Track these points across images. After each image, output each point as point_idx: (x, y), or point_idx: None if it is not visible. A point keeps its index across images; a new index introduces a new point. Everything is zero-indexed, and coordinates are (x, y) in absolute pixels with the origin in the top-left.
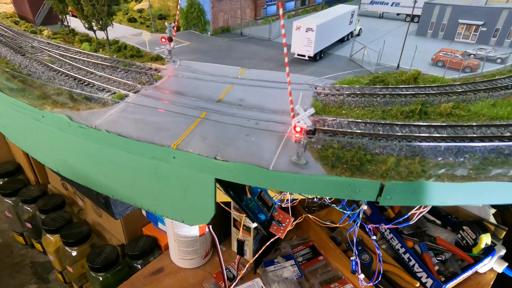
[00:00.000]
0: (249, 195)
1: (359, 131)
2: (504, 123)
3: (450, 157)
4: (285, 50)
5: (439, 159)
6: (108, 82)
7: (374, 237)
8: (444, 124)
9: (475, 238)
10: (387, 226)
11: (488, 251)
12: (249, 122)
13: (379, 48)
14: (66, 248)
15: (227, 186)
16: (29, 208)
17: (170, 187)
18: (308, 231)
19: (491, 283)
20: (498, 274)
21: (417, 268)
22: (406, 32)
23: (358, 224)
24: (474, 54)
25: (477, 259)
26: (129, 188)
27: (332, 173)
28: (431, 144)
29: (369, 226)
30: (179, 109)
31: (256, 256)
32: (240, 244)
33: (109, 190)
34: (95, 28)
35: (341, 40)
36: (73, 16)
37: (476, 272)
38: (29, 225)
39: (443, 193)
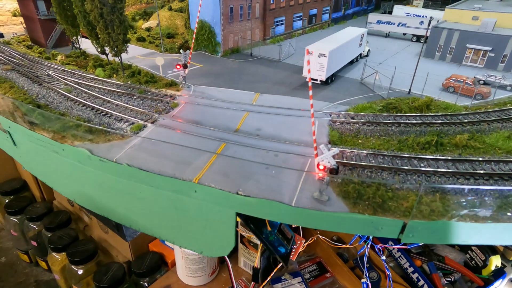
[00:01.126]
0: (269, 228)
1: (377, 165)
2: None
3: (471, 195)
4: (311, 103)
5: (462, 200)
6: (125, 111)
7: (384, 258)
8: (461, 158)
9: (484, 259)
10: (397, 246)
11: (499, 273)
12: (268, 154)
13: (388, 71)
14: (72, 266)
15: (247, 219)
16: (34, 226)
17: (190, 220)
18: (315, 247)
19: None
20: None
21: None
22: (418, 58)
23: (369, 245)
24: (484, 81)
25: (488, 282)
26: (148, 219)
27: (355, 210)
28: (455, 186)
29: (379, 246)
30: (198, 140)
31: (266, 280)
32: (256, 271)
33: (127, 220)
34: (108, 52)
35: (351, 62)
36: (83, 37)
37: None
38: (34, 243)
39: (465, 233)
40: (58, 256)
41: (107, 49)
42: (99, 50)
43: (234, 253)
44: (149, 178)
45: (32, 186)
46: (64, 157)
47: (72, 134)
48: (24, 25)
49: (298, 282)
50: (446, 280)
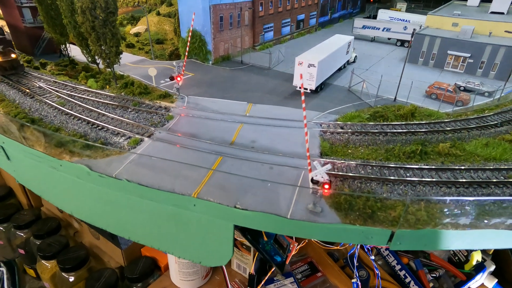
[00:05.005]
0: (265, 238)
1: (366, 176)
2: (497, 166)
3: (453, 205)
4: (304, 121)
5: (444, 210)
6: (121, 125)
7: (373, 257)
8: (444, 167)
9: (466, 255)
10: (385, 245)
11: (479, 267)
12: (263, 167)
13: (374, 77)
14: (63, 274)
15: (244, 230)
16: (22, 234)
17: (189, 232)
18: (307, 248)
19: None
20: None
21: (413, 285)
22: (403, 65)
23: (359, 246)
24: (464, 87)
25: (469, 276)
26: (147, 232)
27: (346, 221)
28: (439, 198)
29: (368, 246)
30: (195, 154)
31: (261, 284)
32: (252, 277)
33: (127, 232)
34: (100, 63)
35: (339, 69)
36: (71, 43)
37: None
38: (21, 251)
39: (448, 240)
40: (48, 264)
41: (98, 59)
42: (89, 60)
43: None
44: (149, 193)
45: (18, 193)
46: (62, 173)
47: (70, 150)
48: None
49: (290, 283)
50: (432, 276)
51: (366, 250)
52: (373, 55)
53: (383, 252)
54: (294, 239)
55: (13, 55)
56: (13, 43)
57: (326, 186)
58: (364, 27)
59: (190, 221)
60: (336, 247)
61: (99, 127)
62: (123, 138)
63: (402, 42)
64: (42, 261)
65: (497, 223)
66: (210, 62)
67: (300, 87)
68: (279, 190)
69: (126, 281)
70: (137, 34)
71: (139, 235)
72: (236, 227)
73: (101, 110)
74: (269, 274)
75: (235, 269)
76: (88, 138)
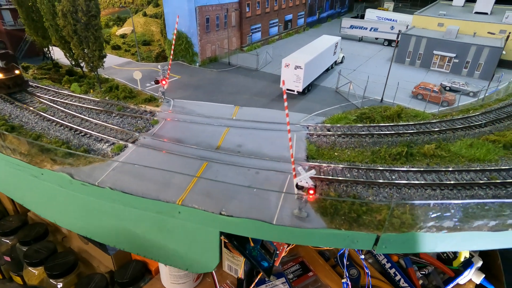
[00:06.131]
0: (252, 244)
1: (352, 179)
2: (481, 167)
3: (437, 206)
4: (287, 127)
5: (430, 213)
6: (105, 131)
7: (363, 256)
8: (429, 169)
9: (454, 251)
10: (371, 249)
11: (467, 264)
12: (249, 172)
13: (361, 78)
14: (51, 280)
15: (231, 236)
16: (7, 240)
17: (175, 239)
18: (298, 247)
19: None
20: (477, 285)
21: (403, 283)
22: (389, 66)
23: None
24: (449, 87)
25: (458, 272)
26: (132, 240)
27: (332, 226)
28: (423, 202)
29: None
30: (180, 160)
31: (251, 287)
32: (240, 282)
33: (111, 240)
34: (84, 67)
35: (326, 69)
36: (55, 45)
37: (457, 284)
38: (7, 258)
39: (432, 242)
40: (35, 271)
41: (82, 63)
42: (73, 63)
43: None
44: (133, 200)
45: (3, 199)
46: (44, 181)
47: (51, 157)
48: None
49: (282, 283)
50: (421, 273)
51: (356, 250)
52: (361, 55)
53: (373, 250)
54: None
55: (17, 71)
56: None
57: (311, 192)
58: (351, 27)
59: (175, 229)
60: (326, 248)
61: (82, 134)
62: (107, 144)
63: (390, 42)
64: (29, 268)
65: (480, 225)
66: (197, 64)
67: (288, 90)
68: (265, 196)
69: (117, 285)
70: (123, 36)
71: (124, 243)
72: (223, 234)
73: (85, 115)
74: (258, 277)
75: (227, 270)
76: (70, 145)
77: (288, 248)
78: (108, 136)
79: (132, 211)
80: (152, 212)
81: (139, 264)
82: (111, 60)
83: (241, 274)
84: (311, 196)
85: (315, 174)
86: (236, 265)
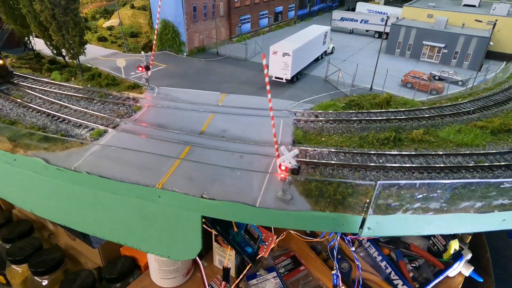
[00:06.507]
0: (235, 229)
1: (339, 162)
2: (468, 152)
3: (423, 188)
4: (269, 104)
5: (416, 194)
6: (85, 117)
7: (353, 249)
8: (416, 153)
9: (445, 244)
10: (365, 236)
11: (457, 256)
12: (233, 156)
13: (351, 68)
14: (36, 278)
15: (213, 221)
16: None
17: (155, 225)
18: (289, 241)
19: (460, 286)
20: (466, 277)
21: (394, 276)
22: (378, 56)
23: (338, 238)
24: (439, 76)
25: (447, 265)
26: (112, 227)
27: (317, 208)
28: (408, 182)
29: (349, 237)
30: (161, 144)
31: (240, 277)
32: (226, 271)
33: (91, 229)
34: (64, 54)
35: (316, 59)
36: (37, 36)
37: (447, 276)
38: None
39: (419, 225)
40: (18, 269)
41: (64, 51)
42: (54, 52)
43: (209, 252)
44: (111, 185)
45: None
46: (18, 168)
47: (25, 143)
48: None
49: (273, 277)
50: (412, 266)
51: (347, 242)
52: (351, 46)
53: (365, 243)
54: (273, 232)
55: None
56: None
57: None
58: (342, 19)
59: (155, 214)
60: (317, 239)
61: (60, 119)
62: (86, 130)
63: (380, 34)
64: (12, 265)
65: (467, 206)
66: (185, 54)
67: (275, 77)
68: (248, 179)
69: (104, 282)
70: (110, 28)
71: (103, 230)
72: (205, 219)
73: (64, 102)
74: (247, 269)
75: (217, 265)
76: (47, 131)
77: (278, 239)
78: (87, 122)
79: (111, 196)
80: (131, 197)
81: (128, 259)
82: (97, 51)
83: (226, 263)
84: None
85: (300, 157)
86: (227, 259)
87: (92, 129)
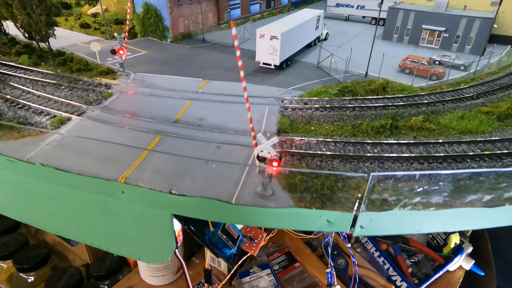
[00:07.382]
0: (211, 228)
1: (329, 153)
2: (474, 139)
3: (424, 180)
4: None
5: (416, 187)
6: (48, 103)
7: (349, 245)
8: (415, 141)
9: (445, 238)
10: (348, 232)
11: (457, 250)
12: (209, 147)
13: (346, 54)
14: (21, 274)
15: (186, 220)
16: None
17: (122, 224)
18: (284, 238)
19: (460, 280)
20: (466, 271)
21: (392, 272)
22: (373, 39)
23: (333, 234)
24: (439, 61)
25: (448, 259)
26: (75, 226)
27: (301, 205)
28: (406, 173)
29: (344, 233)
30: (129, 134)
31: (230, 273)
32: (208, 273)
33: (52, 227)
34: (33, 37)
35: (308, 46)
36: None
37: (447, 271)
38: None
39: (418, 222)
40: (3, 265)
41: (33, 35)
42: (26, 35)
43: (201, 249)
44: (68, 179)
45: None
46: None
47: None
48: None
49: (267, 274)
50: (411, 261)
51: (342, 238)
52: (347, 33)
53: (362, 239)
54: (263, 229)
55: None
56: None
57: (275, 164)
58: (337, 5)
59: (120, 211)
60: (311, 236)
61: (19, 106)
62: (47, 117)
63: (377, 21)
64: None
65: (474, 200)
66: (169, 40)
67: (262, 63)
68: (224, 172)
69: (92, 279)
70: (95, 15)
71: (66, 229)
72: (176, 218)
73: (27, 87)
74: (235, 267)
75: (210, 262)
76: (2, 118)
77: (268, 236)
78: (50, 108)
79: (70, 191)
80: (91, 193)
81: (117, 256)
82: (78, 38)
83: (207, 265)
84: (274, 169)
85: (285, 148)
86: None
87: (54, 116)
